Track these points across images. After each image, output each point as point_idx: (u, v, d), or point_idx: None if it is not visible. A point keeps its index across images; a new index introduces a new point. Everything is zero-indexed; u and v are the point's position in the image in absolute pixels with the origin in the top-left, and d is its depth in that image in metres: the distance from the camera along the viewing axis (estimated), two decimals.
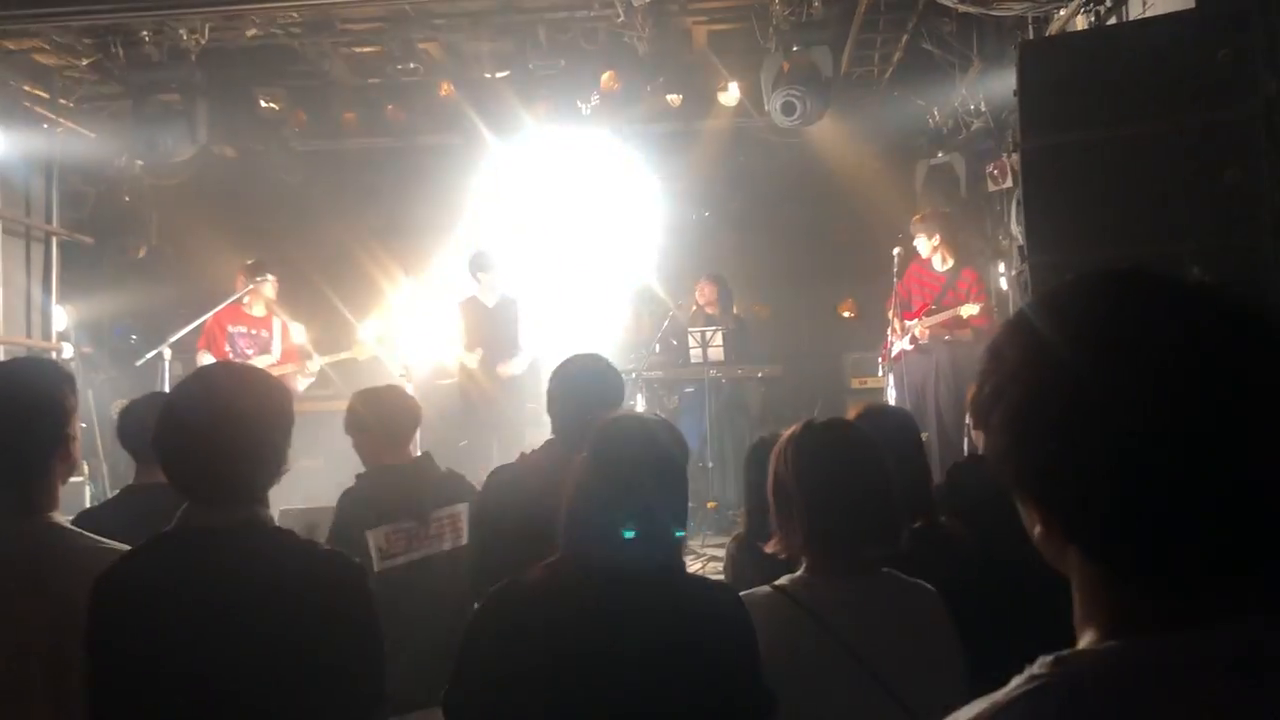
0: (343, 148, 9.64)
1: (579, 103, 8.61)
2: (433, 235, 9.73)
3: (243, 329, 7.36)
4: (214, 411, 1.98)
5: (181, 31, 7.52)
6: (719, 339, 7.52)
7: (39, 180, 8.23)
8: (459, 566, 3.50)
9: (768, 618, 2.09)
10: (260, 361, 7.13)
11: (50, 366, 2.45)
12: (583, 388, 3.29)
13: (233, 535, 1.94)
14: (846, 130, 9.33)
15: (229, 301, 7.30)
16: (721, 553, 4.79)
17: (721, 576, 3.59)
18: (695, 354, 7.56)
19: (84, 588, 1.92)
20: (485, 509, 3.30)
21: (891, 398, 7.45)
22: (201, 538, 1.94)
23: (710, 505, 7.25)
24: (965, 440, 6.65)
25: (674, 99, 8.86)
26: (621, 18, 7.41)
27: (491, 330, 7.80)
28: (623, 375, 3.59)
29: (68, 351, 8.35)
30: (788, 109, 7.36)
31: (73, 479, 2.52)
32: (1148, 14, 4.95)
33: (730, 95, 8.79)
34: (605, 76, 8.53)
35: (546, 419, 3.44)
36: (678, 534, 2.13)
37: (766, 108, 7.61)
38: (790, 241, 9.83)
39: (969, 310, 7.04)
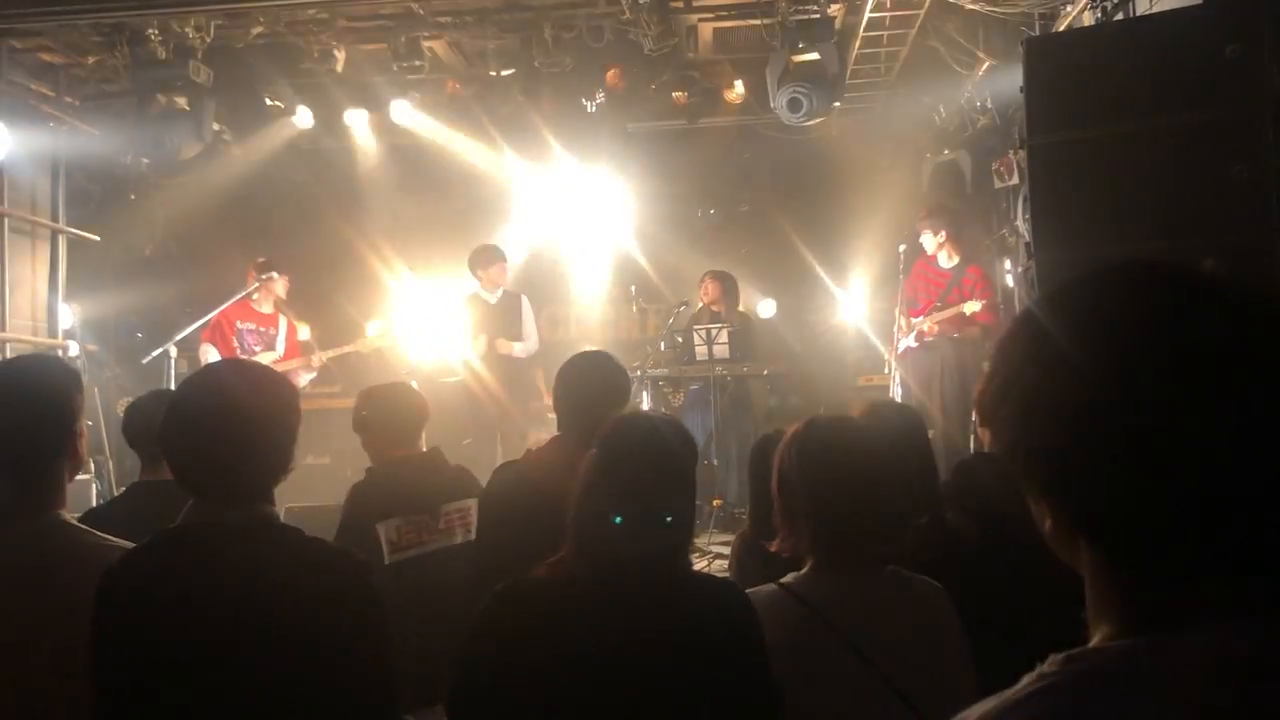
0: (348, 145, 9.63)
1: (584, 100, 8.60)
2: (438, 233, 9.73)
3: (250, 325, 7.37)
4: (220, 409, 1.98)
5: (188, 30, 7.52)
6: (724, 336, 7.51)
7: (45, 178, 8.25)
8: (470, 561, 3.51)
9: (772, 616, 2.08)
10: (265, 358, 7.14)
11: (56, 364, 2.45)
12: (588, 385, 3.29)
13: (239, 532, 1.94)
14: (852, 127, 9.33)
15: (239, 297, 7.29)
16: (727, 550, 4.79)
17: (727, 574, 3.59)
18: (700, 351, 7.55)
19: (91, 585, 1.92)
20: (490, 505, 3.30)
21: (897, 395, 7.44)
22: (207, 534, 1.94)
23: (715, 502, 7.25)
24: (971, 437, 6.66)
25: (679, 96, 8.84)
26: (627, 15, 7.40)
27: (495, 326, 7.80)
28: (628, 372, 3.59)
29: (74, 349, 8.37)
30: (794, 106, 7.34)
31: (79, 476, 2.52)
32: (1154, 10, 4.94)
33: (736, 92, 8.78)
34: (610, 74, 8.52)
35: (551, 417, 3.44)
36: (683, 533, 2.13)
37: (772, 105, 7.60)
38: (795, 238, 9.81)
39: (971, 307, 7.03)
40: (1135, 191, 4.04)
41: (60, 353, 7.96)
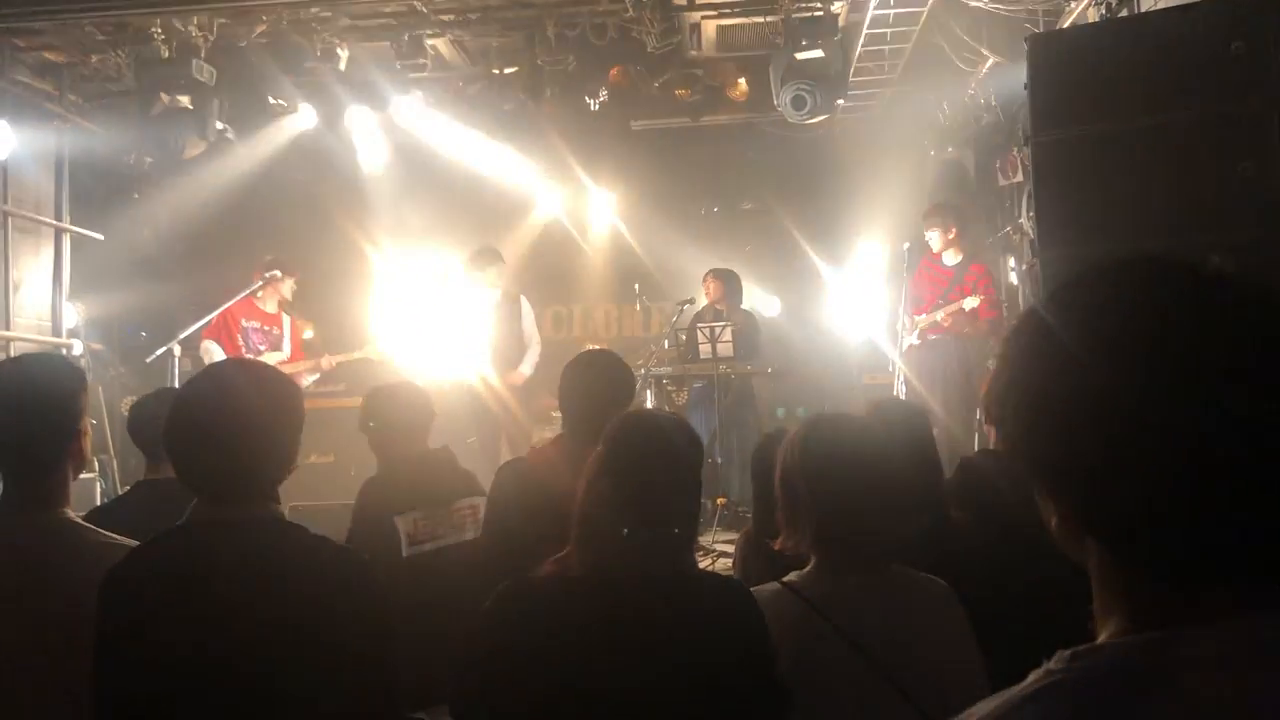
0: (351, 144, 9.63)
1: (587, 98, 8.60)
2: (441, 233, 9.74)
3: (255, 324, 7.35)
4: (224, 409, 1.98)
5: (191, 28, 7.53)
6: (728, 334, 7.50)
7: (49, 177, 8.26)
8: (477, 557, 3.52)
9: (776, 615, 2.07)
10: (271, 358, 7.13)
11: (61, 363, 2.46)
12: (593, 384, 3.30)
13: (243, 529, 1.94)
14: (856, 125, 9.32)
15: (244, 294, 7.27)
16: (731, 549, 4.78)
17: (731, 573, 3.59)
18: (704, 349, 7.54)
19: (95, 583, 1.93)
20: (495, 503, 3.30)
21: (901, 393, 7.43)
22: (211, 532, 1.94)
23: (719, 501, 7.24)
24: (976, 435, 6.66)
25: (683, 94, 8.84)
26: (630, 12, 7.40)
27: (495, 327, 7.78)
28: (632, 371, 3.59)
29: (78, 348, 8.37)
30: (798, 103, 7.34)
31: (83, 475, 2.53)
32: (1159, 6, 4.93)
33: (741, 89, 8.77)
34: (614, 72, 8.51)
35: (555, 416, 3.45)
36: (688, 532, 2.12)
37: (776, 103, 7.59)
38: (799, 236, 9.81)
39: (970, 303, 7.02)
40: (1140, 188, 4.03)
41: (64, 351, 7.97)
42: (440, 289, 8.92)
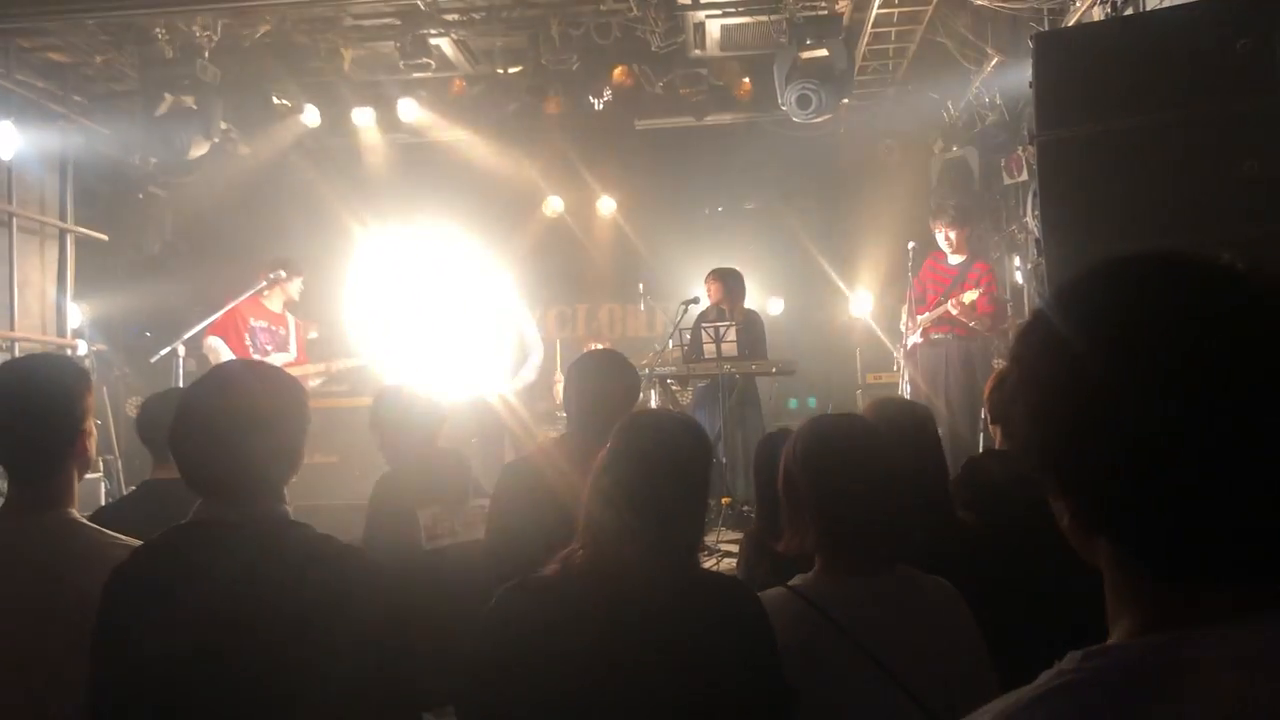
0: (356, 144, 9.65)
1: (591, 97, 8.60)
2: (446, 233, 9.74)
3: (263, 324, 7.30)
4: (229, 411, 1.97)
5: (195, 29, 7.54)
6: (732, 334, 7.49)
7: (53, 177, 8.27)
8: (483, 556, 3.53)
9: (782, 619, 2.06)
10: (278, 359, 7.11)
11: (65, 363, 2.45)
12: (598, 384, 3.30)
13: (246, 528, 1.94)
14: (860, 124, 9.32)
15: (251, 293, 7.22)
16: (735, 549, 4.78)
17: (735, 573, 3.58)
18: (708, 349, 7.53)
19: (100, 583, 1.93)
20: (499, 502, 3.30)
21: (906, 392, 7.42)
22: (215, 531, 1.94)
23: (724, 501, 7.23)
24: (981, 435, 6.64)
25: (687, 93, 8.84)
26: (634, 12, 7.40)
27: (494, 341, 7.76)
28: (637, 370, 3.59)
29: (82, 348, 8.39)
30: (803, 103, 7.33)
31: (88, 475, 2.53)
32: (1165, 4, 4.92)
33: (743, 90, 8.77)
34: (618, 71, 8.51)
35: (560, 416, 3.45)
36: (694, 534, 2.12)
37: (781, 102, 7.59)
38: (804, 236, 9.81)
39: (970, 295, 7.00)
40: (1145, 186, 4.02)
41: (69, 352, 7.99)
42: (441, 290, 8.90)
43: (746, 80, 8.92)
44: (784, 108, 7.59)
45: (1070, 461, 0.87)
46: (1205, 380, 0.80)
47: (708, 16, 7.78)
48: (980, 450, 6.35)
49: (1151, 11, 5.06)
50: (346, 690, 1.86)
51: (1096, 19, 5.76)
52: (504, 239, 9.35)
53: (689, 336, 7.57)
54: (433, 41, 7.97)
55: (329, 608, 1.88)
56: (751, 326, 7.51)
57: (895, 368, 7.94)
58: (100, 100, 8.66)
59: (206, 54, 7.68)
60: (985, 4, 6.65)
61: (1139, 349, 0.83)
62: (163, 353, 6.73)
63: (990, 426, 3.49)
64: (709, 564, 5.64)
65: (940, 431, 3.45)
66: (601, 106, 8.70)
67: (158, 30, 7.59)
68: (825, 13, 7.34)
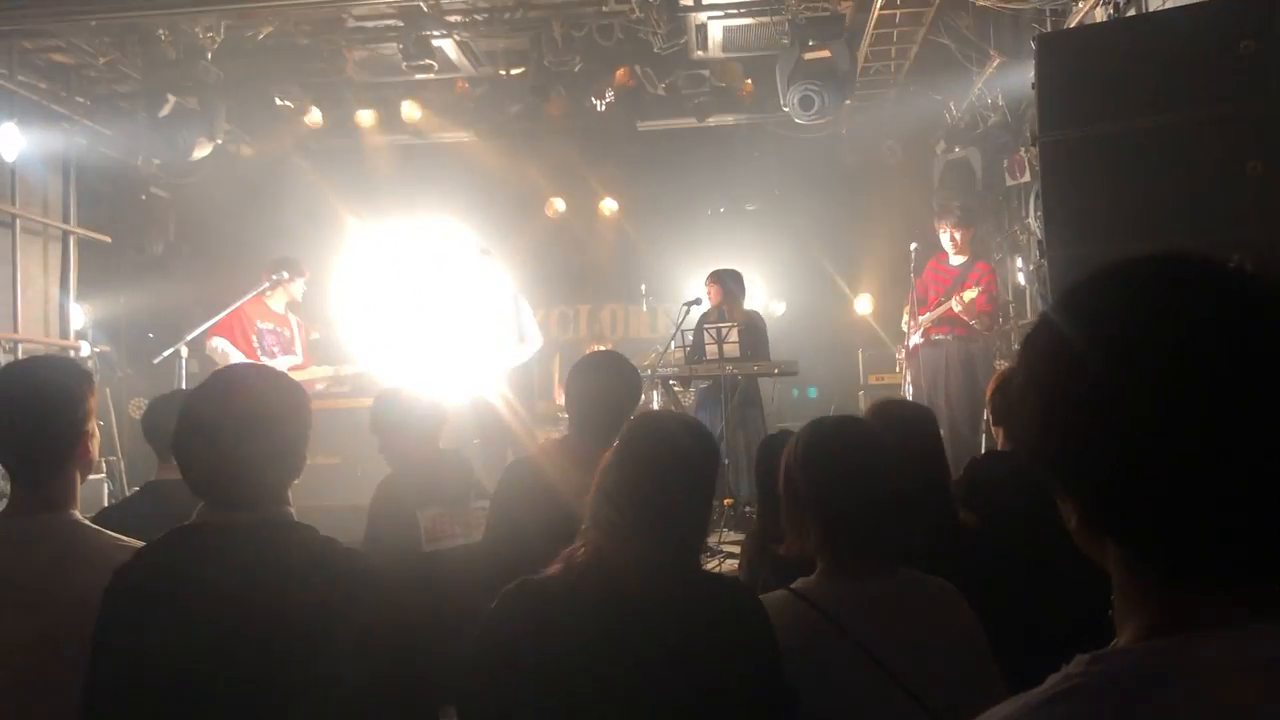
0: (359, 145, 9.66)
1: (594, 99, 8.60)
2: (448, 233, 9.76)
3: (269, 325, 7.28)
4: (231, 416, 1.97)
5: (198, 30, 7.54)
6: (734, 335, 7.49)
7: (56, 179, 8.29)
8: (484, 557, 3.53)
9: (785, 622, 2.06)
10: (286, 361, 7.10)
11: (68, 364, 2.45)
12: (600, 385, 3.30)
13: (248, 530, 1.94)
14: (862, 125, 9.32)
15: (254, 293, 7.20)
16: (738, 550, 4.77)
17: (737, 574, 3.58)
18: (710, 350, 7.53)
19: (103, 585, 1.92)
20: (501, 502, 3.30)
21: (909, 393, 7.42)
22: (217, 533, 1.94)
23: (726, 502, 7.23)
24: (982, 435, 6.64)
25: (689, 94, 8.84)
26: (637, 13, 7.40)
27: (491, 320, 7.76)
28: (639, 372, 3.58)
29: (85, 349, 8.40)
30: (805, 104, 7.33)
31: (91, 477, 2.53)
32: (1167, 5, 4.91)
33: (745, 91, 8.77)
34: (620, 72, 8.51)
35: (560, 418, 3.45)
36: (697, 536, 2.11)
37: (783, 103, 7.59)
38: (806, 237, 9.81)
39: (969, 294, 6.99)
40: (1148, 188, 4.01)
41: (72, 353, 8.00)
42: (441, 288, 8.89)
43: (749, 81, 8.93)
44: (786, 109, 7.59)
45: (1076, 463, 0.87)
46: (1211, 382, 0.80)
47: (710, 18, 7.78)
48: (982, 451, 6.35)
49: (1154, 13, 5.06)
50: (348, 694, 1.86)
51: (1099, 20, 5.75)
52: (506, 240, 9.35)
53: (691, 337, 7.56)
54: (435, 43, 7.97)
55: (331, 611, 1.88)
56: (753, 327, 7.51)
57: (897, 369, 7.93)
58: (103, 101, 8.67)
59: (209, 55, 7.69)
60: (988, 4, 6.65)
61: (1145, 351, 0.83)
62: (165, 354, 6.74)
63: (992, 428, 3.49)
64: (711, 565, 5.64)
65: (942, 432, 3.45)
66: (604, 108, 8.70)
67: (161, 31, 7.60)
68: (827, 14, 7.33)
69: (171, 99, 7.94)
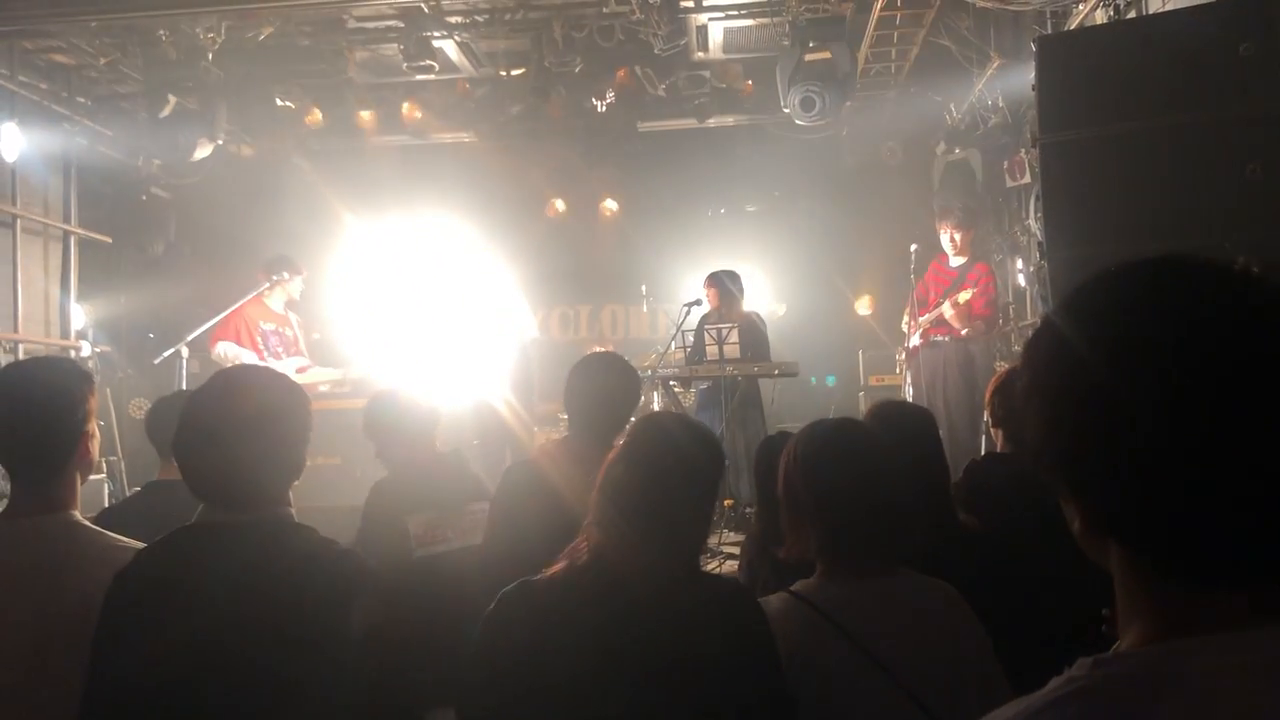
0: (360, 146, 9.66)
1: (594, 100, 8.60)
2: (449, 233, 9.75)
3: (271, 326, 7.26)
4: (231, 419, 1.97)
5: (198, 31, 7.55)
6: (734, 336, 7.49)
7: (57, 180, 8.29)
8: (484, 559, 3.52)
9: (785, 624, 2.06)
10: (292, 362, 7.09)
11: (69, 365, 2.45)
12: (599, 386, 3.29)
13: (248, 531, 1.94)
14: (863, 126, 9.32)
15: (254, 294, 7.17)
16: (737, 551, 4.77)
17: (737, 575, 3.58)
18: (711, 351, 7.53)
19: (103, 585, 1.93)
20: (501, 504, 3.30)
21: (909, 394, 7.42)
22: (217, 534, 1.94)
23: (727, 503, 7.23)
24: (982, 437, 6.63)
25: (689, 95, 8.84)
26: (637, 14, 7.40)
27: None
28: (638, 373, 3.58)
29: (86, 350, 8.39)
30: (806, 105, 7.33)
31: (92, 477, 2.53)
32: (1167, 8, 4.91)
33: (745, 92, 8.77)
34: (621, 73, 8.51)
35: (560, 419, 3.45)
36: (698, 539, 2.11)
37: (784, 104, 7.58)
38: (806, 238, 9.81)
39: (965, 295, 6.99)
40: (1148, 190, 4.02)
41: (72, 354, 7.99)
42: (440, 286, 8.89)
43: (749, 82, 8.93)
44: (787, 110, 7.59)
45: (1080, 466, 0.87)
46: (1214, 384, 0.80)
47: (710, 19, 7.79)
48: (981, 452, 6.35)
49: (1154, 15, 5.06)
50: (345, 694, 1.86)
51: (1100, 22, 5.76)
52: (507, 241, 9.35)
53: (691, 338, 7.56)
54: (436, 44, 7.97)
55: (329, 612, 1.88)
56: (753, 328, 7.51)
57: (898, 370, 7.93)
58: (104, 102, 8.67)
59: (210, 56, 7.69)
60: (988, 6, 6.64)
61: (1148, 354, 0.83)
62: (166, 354, 6.73)
63: (992, 430, 3.48)
64: (711, 566, 5.64)
65: (942, 434, 3.44)
66: (604, 109, 8.70)
67: (161, 32, 7.61)
68: (828, 15, 7.33)
69: (172, 99, 7.94)
